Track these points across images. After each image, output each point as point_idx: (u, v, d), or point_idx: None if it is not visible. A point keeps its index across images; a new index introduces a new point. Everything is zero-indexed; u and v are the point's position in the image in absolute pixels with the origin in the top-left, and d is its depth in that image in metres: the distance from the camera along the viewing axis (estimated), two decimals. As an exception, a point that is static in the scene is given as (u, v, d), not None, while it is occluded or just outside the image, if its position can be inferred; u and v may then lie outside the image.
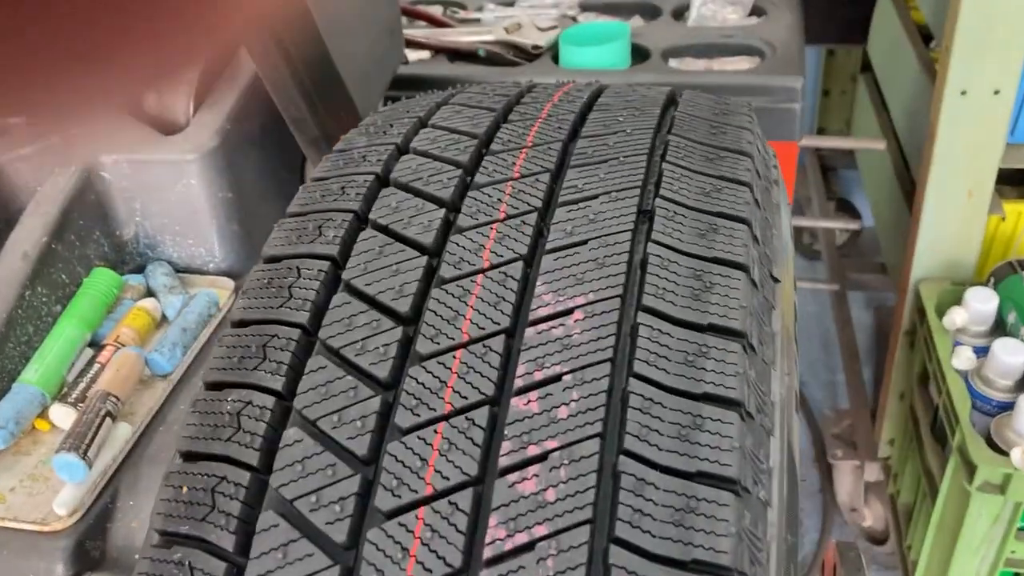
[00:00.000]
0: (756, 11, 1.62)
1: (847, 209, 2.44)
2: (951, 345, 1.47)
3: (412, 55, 1.52)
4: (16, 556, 0.80)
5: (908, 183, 1.73)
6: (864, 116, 2.16)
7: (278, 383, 0.52)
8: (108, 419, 0.85)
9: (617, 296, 0.51)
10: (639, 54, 1.50)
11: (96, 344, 0.96)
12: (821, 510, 1.93)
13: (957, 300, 1.51)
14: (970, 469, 1.30)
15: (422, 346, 0.51)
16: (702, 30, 1.56)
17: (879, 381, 1.93)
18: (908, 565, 1.61)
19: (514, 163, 0.63)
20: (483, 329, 0.51)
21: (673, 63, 1.49)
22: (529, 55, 1.51)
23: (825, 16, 2.02)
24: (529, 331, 0.51)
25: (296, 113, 0.99)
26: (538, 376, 0.49)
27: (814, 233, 2.46)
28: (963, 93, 1.39)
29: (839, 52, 2.42)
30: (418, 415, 0.48)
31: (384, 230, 0.59)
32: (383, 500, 0.46)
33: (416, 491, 0.46)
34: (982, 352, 1.42)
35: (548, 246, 0.56)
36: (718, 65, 1.49)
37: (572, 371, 0.48)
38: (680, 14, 1.65)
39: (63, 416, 0.88)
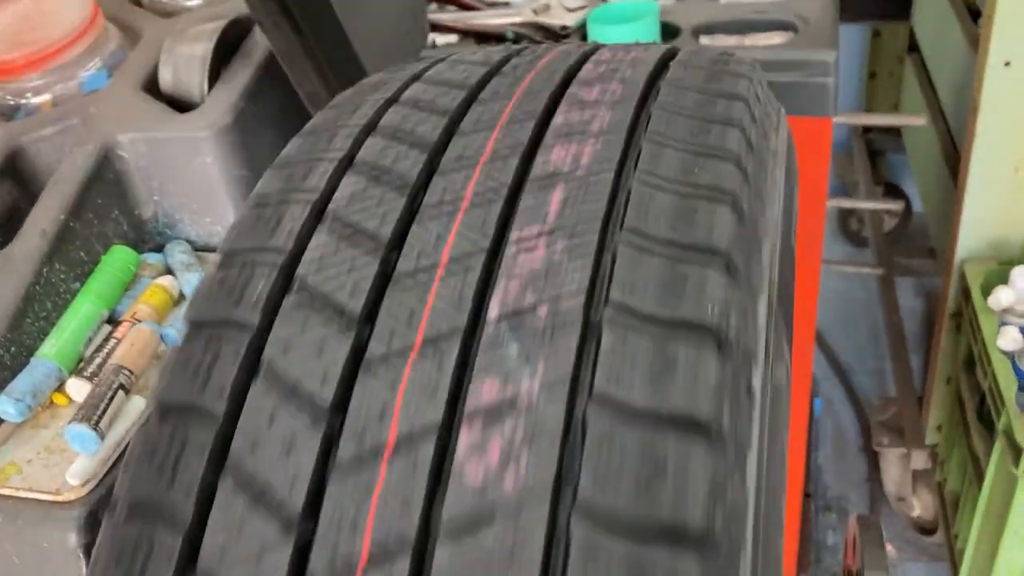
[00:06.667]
0: (791, -14, 1.58)
1: (896, 194, 2.38)
2: (997, 325, 1.42)
3: (440, 39, 1.51)
4: (31, 525, 0.81)
5: (955, 163, 1.68)
6: (911, 97, 2.10)
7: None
8: (121, 392, 0.86)
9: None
10: (669, 32, 1.48)
11: (114, 320, 0.97)
12: (868, 500, 1.88)
13: (1003, 279, 1.46)
14: (1017, 452, 1.25)
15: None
16: (734, 6, 1.52)
17: (928, 368, 1.87)
18: (956, 554, 1.56)
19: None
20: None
21: (704, 40, 1.46)
22: (557, 36, 1.49)
23: (865, -9, 1.97)
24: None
25: (310, 88, 0.99)
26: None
27: (862, 219, 2.40)
28: (1007, 64, 1.34)
29: (886, 32, 2.35)
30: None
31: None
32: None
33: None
34: (1029, 332, 1.37)
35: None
36: (750, 41, 1.46)
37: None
38: (713, -8, 1.62)
39: (80, 390, 0.89)
